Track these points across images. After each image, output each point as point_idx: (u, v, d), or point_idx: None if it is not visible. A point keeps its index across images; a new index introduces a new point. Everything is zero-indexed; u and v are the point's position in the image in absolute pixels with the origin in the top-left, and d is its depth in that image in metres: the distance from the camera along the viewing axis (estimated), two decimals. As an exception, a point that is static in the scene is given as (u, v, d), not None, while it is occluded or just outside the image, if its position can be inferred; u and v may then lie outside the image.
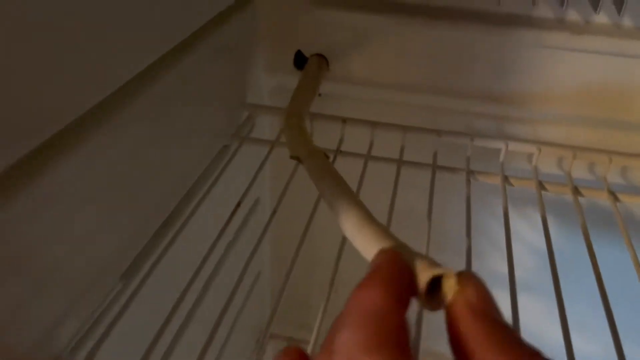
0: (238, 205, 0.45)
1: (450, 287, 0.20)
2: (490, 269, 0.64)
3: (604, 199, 0.47)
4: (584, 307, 0.58)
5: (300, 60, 0.55)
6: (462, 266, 0.42)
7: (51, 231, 0.29)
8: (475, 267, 0.45)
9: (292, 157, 0.42)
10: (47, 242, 0.29)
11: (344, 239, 0.43)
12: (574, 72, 0.49)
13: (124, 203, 0.36)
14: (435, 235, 0.46)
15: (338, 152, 0.51)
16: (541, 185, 0.48)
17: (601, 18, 0.46)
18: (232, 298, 0.44)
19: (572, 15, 0.47)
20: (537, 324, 0.62)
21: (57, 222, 0.30)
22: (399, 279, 0.21)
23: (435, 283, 0.21)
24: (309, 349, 0.35)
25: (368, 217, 0.28)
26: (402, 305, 0.20)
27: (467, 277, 0.21)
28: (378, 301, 0.19)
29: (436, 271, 0.21)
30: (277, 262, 0.70)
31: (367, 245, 0.26)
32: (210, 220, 0.45)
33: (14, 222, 0.26)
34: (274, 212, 0.43)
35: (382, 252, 0.23)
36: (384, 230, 0.27)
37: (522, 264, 0.60)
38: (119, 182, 0.35)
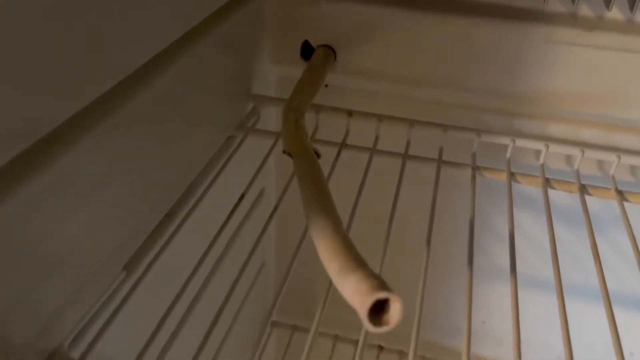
0: (242, 197, 0.45)
1: (395, 310, 0.23)
2: (495, 263, 0.64)
3: (611, 198, 0.47)
4: (585, 303, 0.58)
5: (307, 51, 0.54)
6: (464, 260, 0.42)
7: (52, 223, 0.29)
8: (479, 262, 0.45)
9: (284, 152, 0.41)
10: (49, 235, 0.29)
11: (349, 228, 0.43)
12: (584, 69, 0.48)
13: (126, 195, 0.36)
14: (440, 230, 0.46)
15: (343, 145, 0.51)
16: (548, 183, 0.47)
17: (614, 14, 0.45)
18: (234, 287, 0.44)
19: (584, 10, 0.46)
20: (538, 319, 0.62)
21: (59, 215, 0.30)
22: None
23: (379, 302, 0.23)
24: (309, 337, 0.36)
25: (335, 229, 0.30)
26: None
27: None
28: None
29: (380, 295, 0.23)
30: (282, 253, 0.70)
31: (327, 256, 0.28)
32: (213, 212, 0.45)
33: (14, 215, 0.26)
34: (275, 208, 0.43)
35: None
36: (345, 244, 0.28)
37: (525, 259, 0.60)
38: (122, 174, 0.35)
